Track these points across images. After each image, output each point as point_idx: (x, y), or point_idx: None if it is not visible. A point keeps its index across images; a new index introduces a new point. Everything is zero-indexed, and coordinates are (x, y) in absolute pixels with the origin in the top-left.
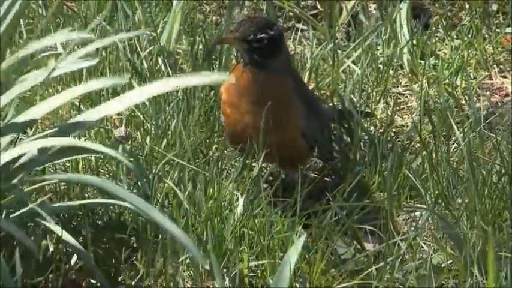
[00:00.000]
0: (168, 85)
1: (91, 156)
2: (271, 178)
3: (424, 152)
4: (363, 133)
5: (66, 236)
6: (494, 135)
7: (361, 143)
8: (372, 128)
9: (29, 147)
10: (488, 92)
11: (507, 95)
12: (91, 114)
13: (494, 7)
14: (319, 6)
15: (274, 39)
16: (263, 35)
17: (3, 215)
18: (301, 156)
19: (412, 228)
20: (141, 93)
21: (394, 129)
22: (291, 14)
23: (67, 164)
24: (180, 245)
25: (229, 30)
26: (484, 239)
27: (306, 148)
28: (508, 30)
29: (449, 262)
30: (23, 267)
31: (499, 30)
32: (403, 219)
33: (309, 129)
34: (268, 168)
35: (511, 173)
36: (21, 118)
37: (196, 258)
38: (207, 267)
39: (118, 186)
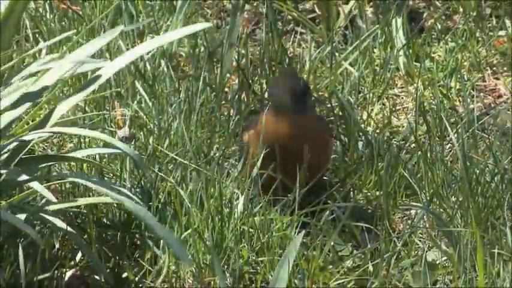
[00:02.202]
0: (157, 42)
1: (95, 156)
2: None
3: (419, 152)
4: (360, 133)
5: (71, 234)
6: (487, 136)
7: (358, 143)
8: (368, 128)
9: (34, 135)
10: (481, 94)
11: (500, 96)
12: None
13: (488, 11)
14: (317, 10)
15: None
16: (303, 80)
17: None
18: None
19: (408, 226)
20: (135, 52)
21: (390, 130)
22: (290, 17)
23: (72, 163)
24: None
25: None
26: (477, 237)
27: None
28: (501, 33)
29: (443, 259)
30: (28, 264)
31: (492, 34)
32: (399, 217)
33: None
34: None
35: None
36: (33, 87)
37: (181, 257)
38: (189, 267)
39: (103, 182)
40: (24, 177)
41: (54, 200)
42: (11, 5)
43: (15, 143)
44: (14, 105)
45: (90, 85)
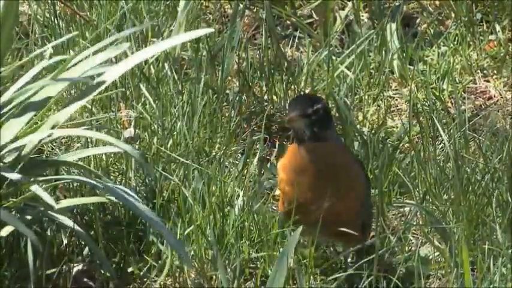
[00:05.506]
0: (161, 46)
1: (102, 155)
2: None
3: (413, 152)
4: (356, 134)
5: (78, 230)
6: (478, 136)
7: (354, 143)
8: (364, 129)
9: (42, 135)
10: (472, 96)
11: (490, 98)
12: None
13: (479, 16)
14: (315, 16)
15: (326, 109)
16: (319, 105)
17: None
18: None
19: (402, 223)
20: (139, 56)
21: (384, 130)
22: (288, 22)
23: (79, 163)
24: (185, 238)
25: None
26: (468, 233)
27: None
28: (492, 37)
29: (436, 254)
30: (38, 260)
31: (482, 38)
32: (393, 215)
33: (367, 197)
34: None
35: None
36: (38, 97)
37: (182, 257)
38: (190, 267)
39: (108, 181)
40: (27, 179)
41: (53, 203)
42: (7, 5)
43: (18, 146)
44: (19, 114)
45: (95, 89)
